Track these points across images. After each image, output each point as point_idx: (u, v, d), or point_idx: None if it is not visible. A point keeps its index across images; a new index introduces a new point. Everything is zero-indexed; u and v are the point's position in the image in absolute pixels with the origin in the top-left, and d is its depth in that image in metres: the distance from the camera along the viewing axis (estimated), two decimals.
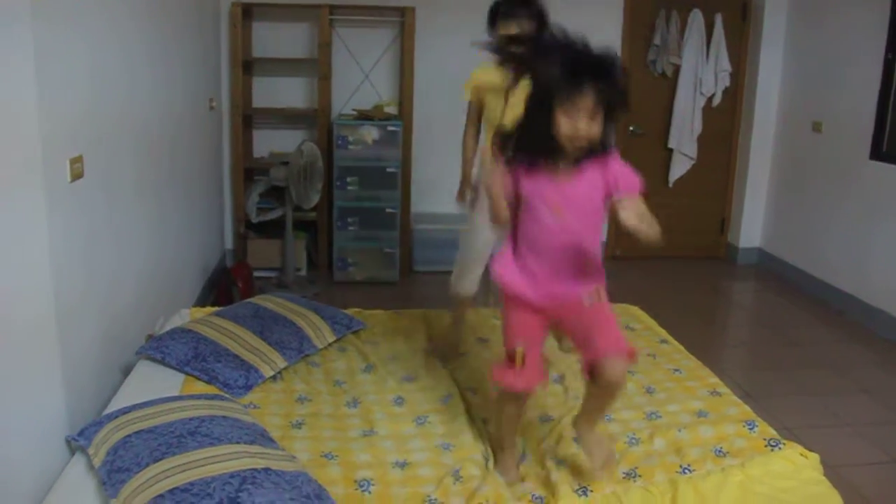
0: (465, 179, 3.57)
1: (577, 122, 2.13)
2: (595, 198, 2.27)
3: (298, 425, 2.76)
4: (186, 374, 3.01)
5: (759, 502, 2.41)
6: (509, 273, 2.36)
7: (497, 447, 2.60)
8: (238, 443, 2.28)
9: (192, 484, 2.04)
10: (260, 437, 2.40)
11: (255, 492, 2.03)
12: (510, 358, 2.39)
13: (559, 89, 2.13)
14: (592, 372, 2.31)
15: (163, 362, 3.06)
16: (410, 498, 2.35)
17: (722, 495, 2.40)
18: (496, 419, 2.64)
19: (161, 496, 2.01)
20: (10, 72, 2.14)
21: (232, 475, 2.08)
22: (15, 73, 2.16)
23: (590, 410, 2.43)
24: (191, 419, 2.39)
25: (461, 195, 3.60)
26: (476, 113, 3.48)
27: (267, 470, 2.15)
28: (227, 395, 2.81)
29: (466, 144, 3.53)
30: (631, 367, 3.23)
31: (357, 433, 2.72)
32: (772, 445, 2.63)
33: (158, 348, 3.09)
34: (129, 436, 2.31)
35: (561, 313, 2.37)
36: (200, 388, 2.92)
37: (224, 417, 2.45)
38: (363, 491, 2.37)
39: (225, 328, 3.26)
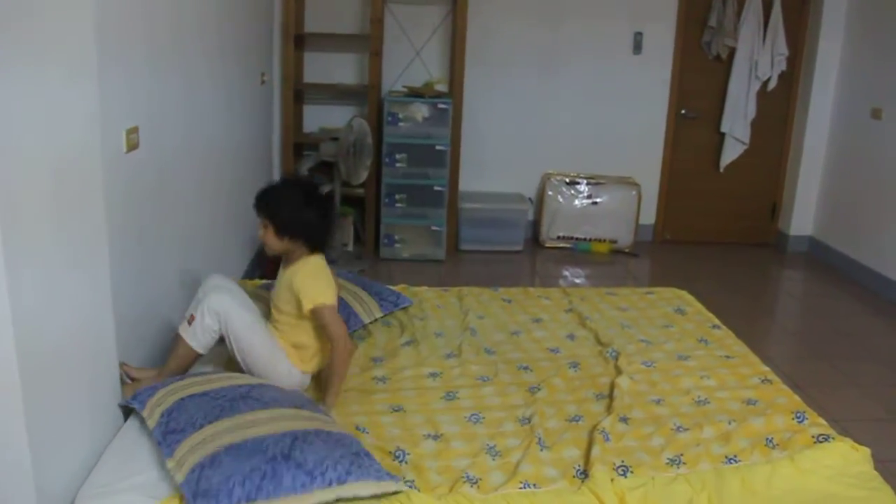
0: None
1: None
2: None
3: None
4: None
5: (808, 496, 2.36)
6: None
7: None
8: (288, 407, 2.36)
9: (246, 441, 2.12)
10: (307, 402, 2.49)
11: (307, 449, 2.12)
12: None
13: None
14: None
15: None
16: (444, 471, 2.37)
17: (769, 488, 2.37)
18: None
19: (217, 453, 2.08)
20: (74, 42, 2.17)
21: (284, 434, 2.17)
22: (77, 42, 2.19)
23: None
24: (241, 385, 2.47)
25: None
26: None
27: (317, 431, 2.23)
28: None
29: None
30: (681, 352, 3.26)
31: (384, 407, 2.75)
32: (822, 438, 2.59)
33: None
34: (182, 399, 2.37)
35: None
36: None
37: (272, 386, 2.55)
38: (400, 461, 2.40)
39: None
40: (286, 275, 2.83)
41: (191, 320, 2.74)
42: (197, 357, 2.80)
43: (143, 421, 2.40)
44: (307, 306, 2.72)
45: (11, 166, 1.81)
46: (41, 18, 1.95)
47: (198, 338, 2.74)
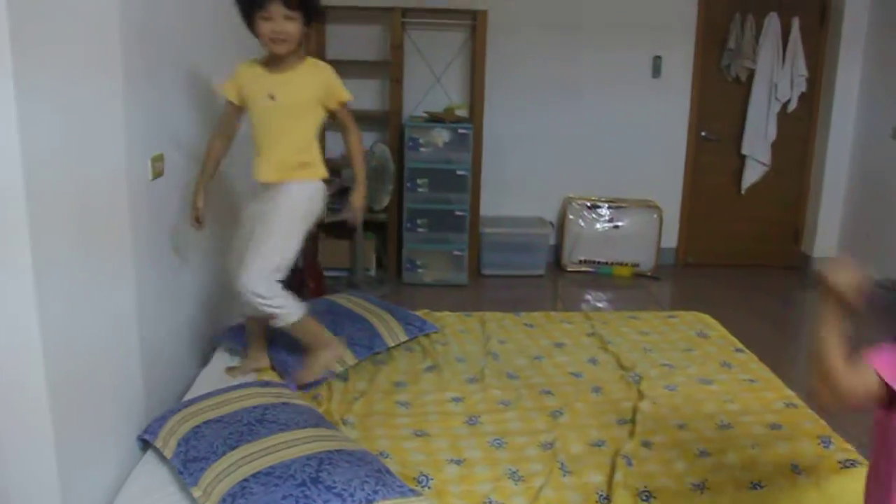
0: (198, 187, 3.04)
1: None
2: None
3: (349, 424, 2.80)
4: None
5: None
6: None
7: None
8: (305, 427, 2.38)
9: (273, 468, 2.14)
10: (321, 420, 2.51)
11: (333, 471, 2.14)
12: None
13: None
14: None
15: (238, 351, 3.23)
16: (467, 496, 2.37)
17: None
18: None
19: (246, 480, 2.10)
20: (100, 70, 2.21)
21: (309, 457, 2.19)
22: (104, 70, 2.23)
23: None
24: (254, 407, 2.49)
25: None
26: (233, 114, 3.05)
27: (340, 451, 2.25)
28: (273, 381, 2.92)
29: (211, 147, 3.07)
30: (704, 376, 3.24)
31: (408, 432, 2.75)
32: (849, 464, 2.56)
33: (233, 337, 3.27)
34: (198, 426, 2.39)
35: None
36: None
37: (284, 404, 2.55)
38: (423, 486, 2.40)
39: None
40: (295, 78, 2.91)
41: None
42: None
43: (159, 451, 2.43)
44: (346, 98, 2.99)
45: (40, 191, 1.85)
46: (70, 44, 2.00)
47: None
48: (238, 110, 3.01)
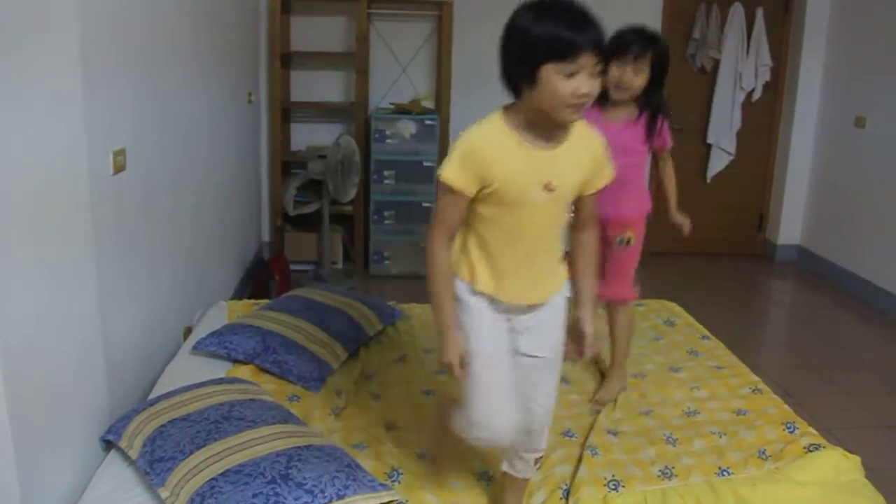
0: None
1: (623, 71, 2.76)
2: (636, 144, 2.88)
3: (336, 415, 2.79)
4: (256, 366, 3.02)
5: None
6: None
7: None
8: (273, 423, 2.35)
9: (242, 465, 2.10)
10: (289, 416, 2.47)
11: (303, 467, 2.12)
12: None
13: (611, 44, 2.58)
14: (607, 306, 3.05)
15: (227, 357, 3.07)
16: (436, 490, 2.37)
17: (763, 499, 2.36)
18: None
19: (215, 479, 2.06)
20: (57, 65, 2.17)
21: (278, 454, 2.16)
22: (61, 66, 2.19)
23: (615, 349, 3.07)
24: (221, 405, 2.44)
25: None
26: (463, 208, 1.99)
27: (308, 446, 2.22)
28: (241, 378, 2.83)
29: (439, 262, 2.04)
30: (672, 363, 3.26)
31: (381, 423, 2.74)
32: (813, 448, 2.59)
33: (221, 343, 3.08)
34: (163, 425, 2.35)
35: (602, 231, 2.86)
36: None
37: (251, 400, 2.51)
38: (393, 481, 2.39)
39: (285, 321, 3.25)
40: (570, 153, 1.97)
41: None
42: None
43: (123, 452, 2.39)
44: (610, 178, 2.12)
45: None
46: (24, 41, 1.95)
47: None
48: (467, 204, 1.98)
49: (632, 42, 2.77)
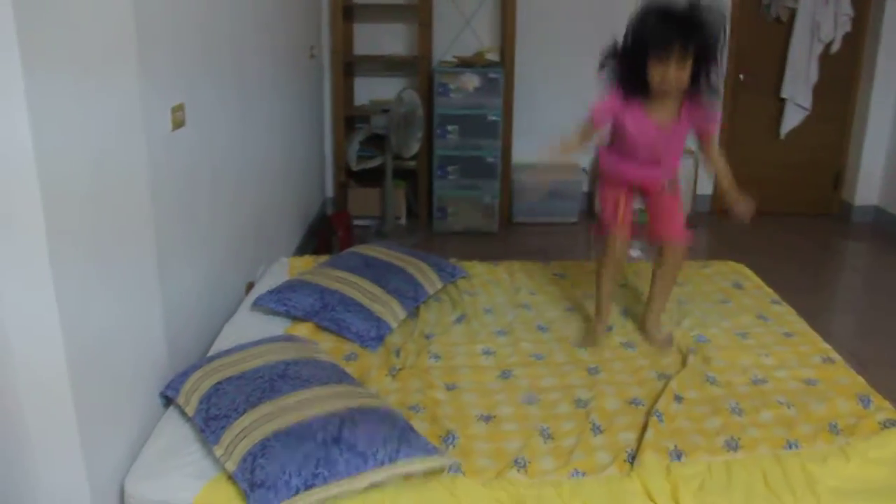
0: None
1: (666, 71, 2.64)
2: (680, 130, 2.86)
3: (393, 376, 2.77)
4: (315, 324, 3.02)
5: (874, 485, 2.24)
6: (607, 157, 3.06)
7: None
8: (328, 384, 2.34)
9: (294, 426, 2.10)
10: (344, 375, 2.46)
11: (356, 429, 2.11)
12: (604, 222, 3.10)
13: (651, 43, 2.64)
14: (659, 251, 3.11)
15: (286, 314, 3.07)
16: (495, 454, 2.32)
17: (833, 477, 2.24)
18: (595, 289, 3.17)
19: (267, 439, 2.07)
20: (111, 17, 2.14)
21: (331, 414, 2.15)
22: (116, 17, 2.16)
23: (654, 297, 3.12)
24: (276, 363, 2.44)
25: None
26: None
27: (361, 408, 2.21)
28: (298, 336, 2.82)
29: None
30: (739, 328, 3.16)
31: (439, 385, 2.70)
32: (889, 424, 2.47)
33: (280, 300, 3.09)
34: (219, 383, 2.36)
35: (644, 187, 3.06)
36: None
37: (306, 360, 2.50)
38: (448, 444, 2.35)
39: (344, 278, 3.23)
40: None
41: None
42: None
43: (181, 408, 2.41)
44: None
45: (50, 153, 1.80)
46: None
47: None
48: None
49: (672, 39, 2.61)
